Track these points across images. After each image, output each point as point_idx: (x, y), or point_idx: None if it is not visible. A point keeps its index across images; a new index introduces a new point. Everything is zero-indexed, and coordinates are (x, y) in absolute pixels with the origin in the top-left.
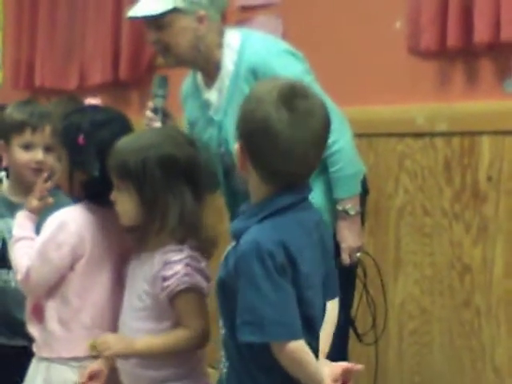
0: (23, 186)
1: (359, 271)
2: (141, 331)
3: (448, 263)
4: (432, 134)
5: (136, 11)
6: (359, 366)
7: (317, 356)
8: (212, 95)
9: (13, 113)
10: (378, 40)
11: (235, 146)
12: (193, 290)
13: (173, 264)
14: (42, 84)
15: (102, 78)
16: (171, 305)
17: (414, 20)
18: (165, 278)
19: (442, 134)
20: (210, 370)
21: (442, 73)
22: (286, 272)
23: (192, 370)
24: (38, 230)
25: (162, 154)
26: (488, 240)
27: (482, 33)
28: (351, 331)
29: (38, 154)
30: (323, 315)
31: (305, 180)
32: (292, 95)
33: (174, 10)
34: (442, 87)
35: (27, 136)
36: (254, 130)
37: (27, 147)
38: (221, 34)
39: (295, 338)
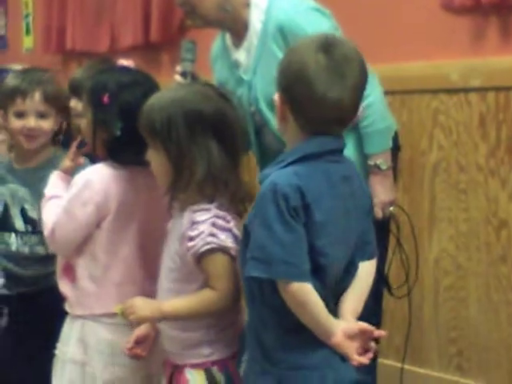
0: (22, 154)
1: (392, 227)
2: (171, 291)
3: (484, 219)
4: (466, 90)
5: None
6: (382, 332)
7: (327, 306)
8: (241, 55)
9: (8, 81)
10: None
11: (275, 97)
12: (219, 251)
13: (199, 224)
14: (73, 47)
15: (133, 40)
16: (198, 266)
17: None
18: (190, 238)
19: (477, 90)
20: None
21: (477, 28)
22: (300, 216)
23: (225, 331)
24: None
25: (187, 108)
26: None
27: None
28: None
29: (30, 121)
30: (347, 271)
31: (340, 129)
32: (329, 43)
33: None
34: (476, 42)
35: (19, 104)
36: (292, 77)
37: (20, 115)
38: None
39: (301, 279)
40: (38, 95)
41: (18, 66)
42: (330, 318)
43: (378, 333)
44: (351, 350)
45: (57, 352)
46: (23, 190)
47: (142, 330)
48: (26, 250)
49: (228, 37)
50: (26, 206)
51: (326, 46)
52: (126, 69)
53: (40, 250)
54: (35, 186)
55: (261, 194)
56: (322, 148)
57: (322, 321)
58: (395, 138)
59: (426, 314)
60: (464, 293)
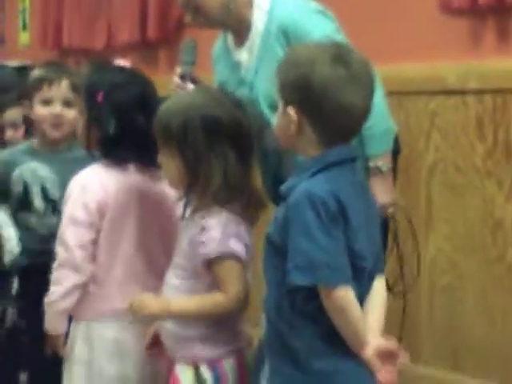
0: (47, 141)
1: (391, 226)
2: (178, 289)
3: (480, 220)
4: (463, 92)
5: None
6: (406, 358)
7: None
8: (243, 55)
9: (34, 72)
10: (411, 1)
11: (285, 111)
12: (228, 257)
13: (209, 230)
14: (70, 44)
15: (130, 37)
16: (207, 269)
17: None
18: (201, 243)
19: (474, 92)
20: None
21: (474, 30)
22: (338, 222)
23: (220, 331)
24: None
25: (205, 115)
26: None
27: None
28: None
29: (56, 108)
30: (374, 273)
31: (355, 136)
32: (342, 54)
33: None
34: (473, 45)
35: (45, 91)
36: (313, 92)
37: (46, 102)
38: None
39: (344, 282)
40: (64, 83)
41: (14, 63)
42: (365, 329)
43: (402, 356)
44: (379, 367)
45: (64, 356)
46: (45, 168)
47: (156, 327)
48: (44, 231)
49: (230, 38)
50: (47, 185)
51: (341, 57)
52: (120, 68)
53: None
54: (58, 164)
55: (294, 202)
56: (343, 156)
57: (359, 331)
58: (395, 141)
59: (421, 312)
60: (460, 292)
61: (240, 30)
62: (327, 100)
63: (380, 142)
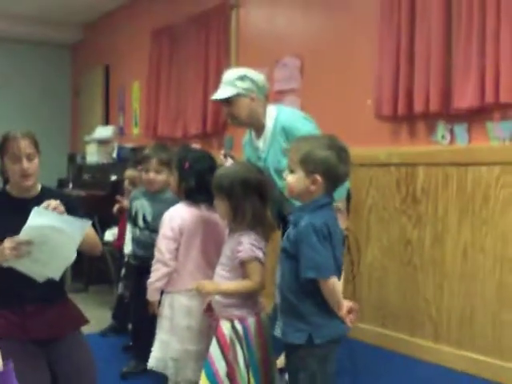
0: (147, 189)
1: (346, 242)
2: (223, 277)
3: (397, 239)
4: (389, 165)
5: (215, 95)
6: (359, 313)
7: None
8: (260, 143)
9: (145, 151)
10: (358, 111)
11: (310, 176)
12: (254, 260)
13: (243, 243)
14: (162, 134)
15: (196, 131)
16: (241, 266)
17: (378, 99)
18: (238, 251)
19: (395, 165)
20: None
21: (395, 129)
22: (328, 241)
23: (247, 300)
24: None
25: (241, 177)
26: (421, 226)
27: (418, 106)
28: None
29: (150, 175)
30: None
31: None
32: (335, 142)
33: (237, 95)
34: (394, 137)
35: (145, 164)
36: (331, 167)
37: (146, 171)
38: (265, 108)
39: (333, 275)
40: (154, 160)
41: (130, 145)
42: (342, 298)
43: (357, 309)
44: (347, 318)
45: (157, 314)
46: (146, 203)
47: (209, 298)
48: (142, 238)
49: (253, 133)
50: (146, 213)
51: (335, 144)
52: (196, 149)
53: (148, 239)
54: (152, 201)
55: (303, 229)
56: (329, 200)
57: (339, 301)
58: (348, 193)
59: (364, 292)
60: (385, 281)
61: (258, 128)
62: (337, 172)
63: (340, 192)
